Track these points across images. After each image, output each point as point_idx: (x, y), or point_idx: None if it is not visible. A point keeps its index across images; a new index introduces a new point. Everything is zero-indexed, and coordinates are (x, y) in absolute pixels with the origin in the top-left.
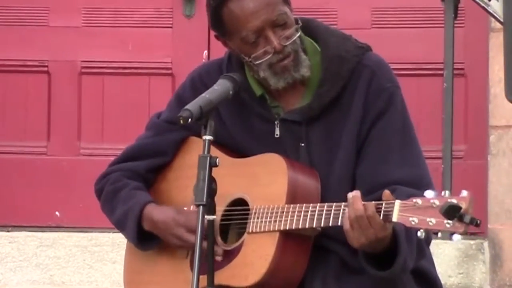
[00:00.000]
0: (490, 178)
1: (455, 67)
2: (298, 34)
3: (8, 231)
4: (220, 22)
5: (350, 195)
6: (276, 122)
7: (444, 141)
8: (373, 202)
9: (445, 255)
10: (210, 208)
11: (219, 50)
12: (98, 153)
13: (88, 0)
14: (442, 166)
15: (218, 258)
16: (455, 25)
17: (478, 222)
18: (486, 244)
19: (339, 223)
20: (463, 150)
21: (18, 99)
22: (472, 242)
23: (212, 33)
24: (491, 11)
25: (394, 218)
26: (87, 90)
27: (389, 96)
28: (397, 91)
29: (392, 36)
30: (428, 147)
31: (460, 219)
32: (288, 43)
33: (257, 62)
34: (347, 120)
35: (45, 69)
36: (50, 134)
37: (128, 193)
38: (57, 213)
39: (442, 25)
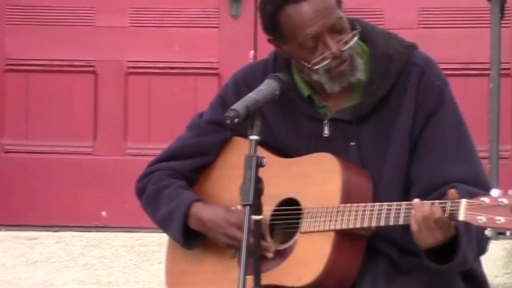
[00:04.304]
0: None
1: (501, 66)
2: (355, 39)
3: (54, 231)
4: (277, 27)
5: (415, 199)
6: (324, 122)
7: (490, 141)
8: (437, 202)
9: (491, 255)
10: (256, 208)
11: (266, 50)
12: (144, 153)
13: (134, 0)
14: (489, 166)
15: (269, 255)
16: (502, 25)
17: None
18: None
19: (399, 222)
20: (509, 150)
21: (65, 99)
22: None
23: (259, 33)
24: None
25: (461, 217)
26: (133, 90)
27: (440, 94)
28: (447, 88)
29: (439, 36)
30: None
31: None
32: (346, 47)
33: (316, 67)
34: (398, 118)
35: (92, 69)
36: (96, 134)
37: (173, 192)
38: (103, 213)
39: (489, 25)
